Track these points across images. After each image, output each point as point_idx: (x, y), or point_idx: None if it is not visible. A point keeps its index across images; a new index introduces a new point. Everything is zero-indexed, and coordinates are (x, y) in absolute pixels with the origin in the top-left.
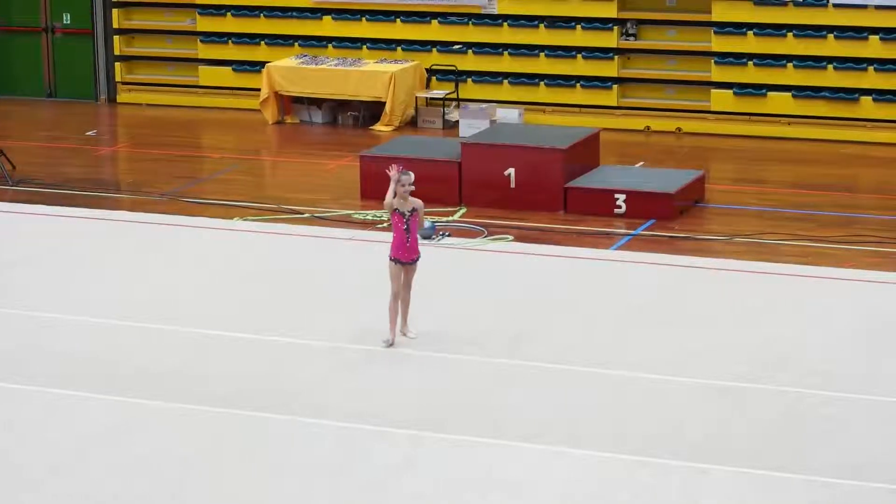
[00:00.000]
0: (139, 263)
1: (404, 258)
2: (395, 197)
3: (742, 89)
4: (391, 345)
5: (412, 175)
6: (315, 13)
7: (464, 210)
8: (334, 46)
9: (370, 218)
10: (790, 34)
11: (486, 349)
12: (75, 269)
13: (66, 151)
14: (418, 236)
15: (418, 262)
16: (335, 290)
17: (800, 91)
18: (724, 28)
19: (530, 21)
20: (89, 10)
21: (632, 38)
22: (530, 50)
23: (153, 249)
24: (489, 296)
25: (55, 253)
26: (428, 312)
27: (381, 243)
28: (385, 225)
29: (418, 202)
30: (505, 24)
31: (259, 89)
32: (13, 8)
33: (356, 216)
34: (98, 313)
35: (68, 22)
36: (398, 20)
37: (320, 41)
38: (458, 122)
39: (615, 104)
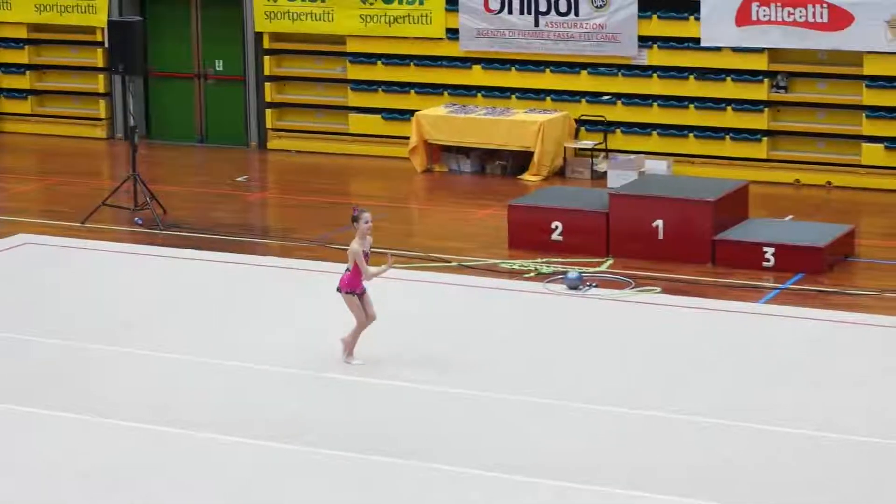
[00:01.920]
0: (285, 309)
1: (360, 289)
2: (360, 239)
3: (893, 143)
4: (350, 362)
5: (369, 214)
6: (465, 62)
7: (611, 261)
8: (483, 95)
9: (517, 267)
10: None
11: (636, 402)
12: (222, 314)
13: (217, 197)
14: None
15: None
16: (479, 339)
17: None
18: (875, 81)
19: (680, 72)
20: (241, 57)
21: (782, 91)
22: (679, 101)
23: (300, 295)
24: (636, 348)
25: (202, 297)
26: (574, 364)
27: (530, 293)
28: (532, 274)
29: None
30: (654, 75)
31: (408, 137)
32: (167, 54)
33: (503, 265)
34: (242, 358)
35: (221, 68)
36: (547, 70)
37: (469, 90)
38: (606, 172)
39: (765, 157)
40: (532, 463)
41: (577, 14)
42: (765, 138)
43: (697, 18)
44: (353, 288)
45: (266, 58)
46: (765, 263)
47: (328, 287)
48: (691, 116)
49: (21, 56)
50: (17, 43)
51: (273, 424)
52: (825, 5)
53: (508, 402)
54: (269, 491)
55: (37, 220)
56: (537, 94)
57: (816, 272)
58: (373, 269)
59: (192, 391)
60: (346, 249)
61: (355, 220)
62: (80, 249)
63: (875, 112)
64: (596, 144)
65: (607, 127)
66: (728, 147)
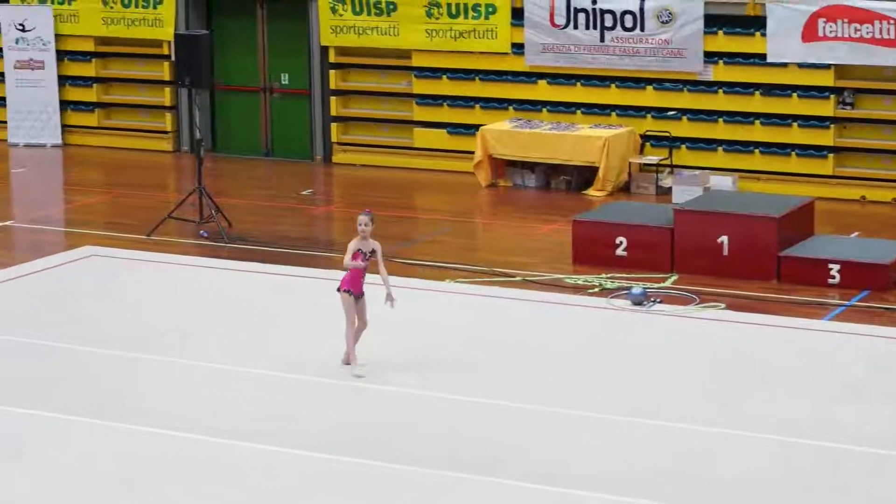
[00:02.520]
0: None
1: (357, 291)
2: (361, 240)
3: None
4: (348, 364)
5: (367, 216)
6: (530, 77)
7: (675, 277)
8: (548, 110)
9: (581, 283)
10: None
11: (697, 418)
12: (281, 326)
13: (282, 210)
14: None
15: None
16: (542, 354)
17: None
18: None
19: (746, 88)
20: (307, 71)
21: (848, 107)
22: (745, 117)
23: None
24: (699, 364)
25: (264, 310)
26: (635, 380)
27: (594, 309)
28: (597, 290)
29: (377, 244)
30: (720, 90)
31: (473, 152)
32: (233, 68)
33: (567, 280)
34: (289, 369)
35: (286, 82)
36: (613, 86)
37: (534, 105)
38: (671, 188)
39: (830, 173)
40: (583, 475)
41: (642, 29)
42: (831, 155)
43: (763, 34)
44: (348, 287)
45: (332, 72)
46: (830, 280)
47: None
48: (757, 132)
49: (88, 69)
50: (84, 56)
51: (318, 434)
52: (892, 21)
53: (564, 416)
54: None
55: (103, 233)
56: (602, 110)
57: (882, 289)
58: (347, 261)
59: (238, 401)
60: (411, 263)
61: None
62: (145, 262)
63: None
64: (661, 160)
65: (672, 142)
66: (794, 163)
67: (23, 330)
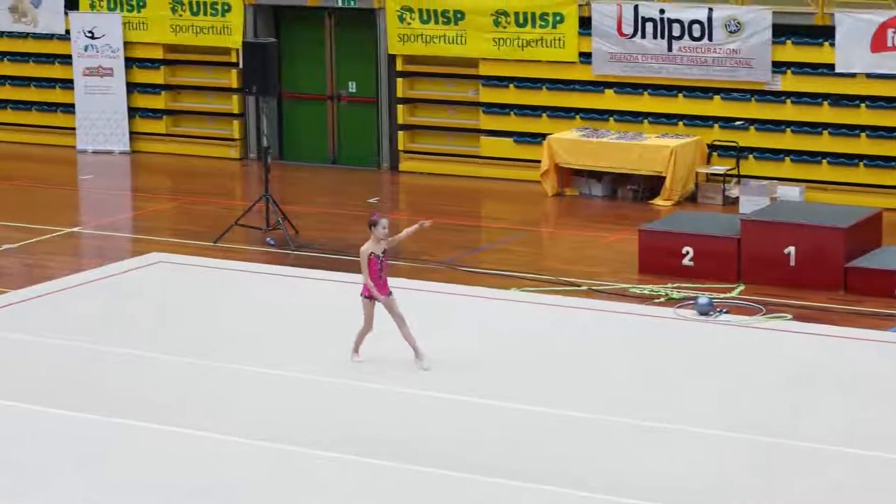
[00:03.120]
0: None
1: (379, 293)
2: (374, 243)
3: None
4: (359, 360)
5: (387, 220)
6: (597, 86)
7: (741, 287)
8: (615, 120)
9: (647, 292)
10: None
11: (764, 428)
12: (344, 334)
13: (348, 218)
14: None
15: (393, 296)
16: (606, 363)
17: None
18: None
19: (814, 98)
20: (374, 79)
21: None
22: (813, 127)
23: (428, 316)
24: (765, 374)
25: (328, 317)
26: (700, 390)
27: (660, 318)
28: (663, 299)
29: (388, 242)
30: (788, 100)
31: (539, 161)
32: (300, 76)
33: (633, 290)
34: (358, 377)
35: (353, 90)
36: (680, 95)
37: (601, 114)
38: (738, 198)
39: None
40: (646, 486)
41: (710, 39)
42: None
43: (832, 44)
44: (368, 294)
45: (399, 80)
46: None
47: (455, 310)
48: (825, 142)
49: (157, 76)
50: (152, 63)
51: (384, 443)
52: None
53: (629, 425)
54: None
55: (170, 239)
56: (669, 119)
57: None
58: (366, 277)
59: (302, 409)
60: (477, 272)
61: (373, 224)
62: (211, 269)
63: None
64: (728, 170)
65: (739, 152)
66: (862, 174)
67: (89, 336)
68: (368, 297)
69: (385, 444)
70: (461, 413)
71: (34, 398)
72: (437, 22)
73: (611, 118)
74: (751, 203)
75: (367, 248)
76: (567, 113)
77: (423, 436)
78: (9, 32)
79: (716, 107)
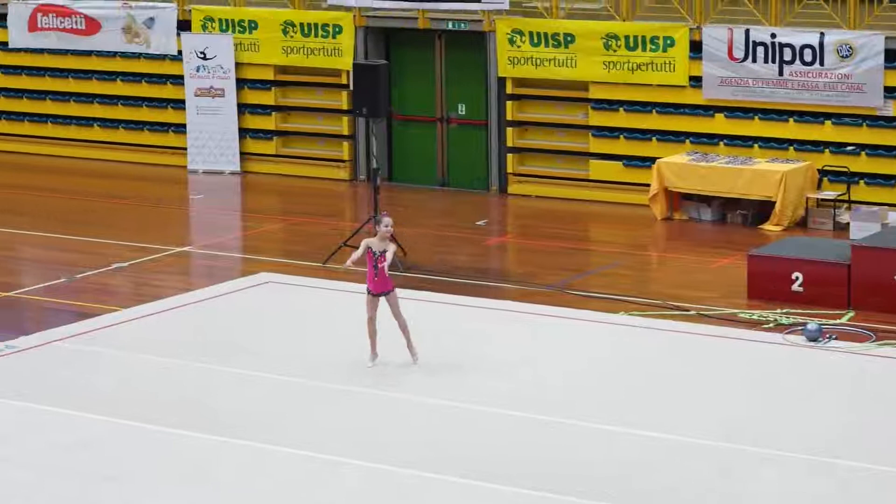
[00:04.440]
0: (519, 353)
1: (374, 290)
2: (373, 238)
3: None
4: (375, 362)
5: (391, 219)
6: (707, 111)
7: (851, 314)
8: (725, 144)
9: (756, 317)
10: None
11: (875, 457)
12: (455, 357)
13: (456, 240)
14: (386, 271)
15: (395, 293)
16: (712, 388)
17: None
18: None
19: None
20: (484, 101)
21: None
22: None
23: (537, 340)
24: (874, 403)
25: (437, 339)
26: (812, 417)
27: (768, 344)
28: (772, 325)
29: (392, 246)
30: None
31: (649, 184)
32: (410, 98)
33: (742, 315)
34: (469, 400)
35: (463, 113)
36: (791, 120)
37: (712, 138)
38: (848, 224)
39: None
40: None
41: (822, 64)
42: None
43: None
44: (369, 287)
45: (508, 102)
46: None
47: (564, 334)
48: None
49: (267, 97)
50: (263, 84)
51: (495, 465)
52: None
53: (739, 451)
54: None
55: (278, 260)
56: (780, 144)
57: None
58: (354, 259)
59: (406, 429)
60: (585, 296)
61: (377, 222)
62: (319, 289)
63: None
64: (839, 195)
65: (850, 178)
66: None
67: (197, 355)
68: (368, 292)
69: (497, 466)
70: (572, 437)
71: (141, 415)
72: (547, 45)
73: (721, 142)
74: (861, 229)
75: (368, 240)
76: (677, 137)
77: (536, 460)
78: (122, 53)
79: (827, 132)
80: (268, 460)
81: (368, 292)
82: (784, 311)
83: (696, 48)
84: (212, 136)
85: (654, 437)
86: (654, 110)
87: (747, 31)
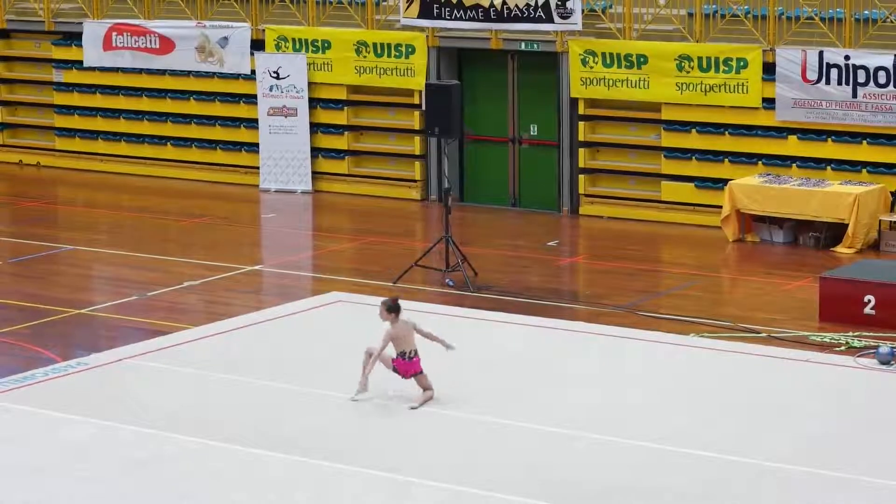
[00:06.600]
0: (589, 374)
1: (402, 373)
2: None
3: None
4: (364, 391)
5: (387, 299)
6: (780, 132)
7: None
8: (798, 166)
9: (828, 340)
10: None
11: None
12: (527, 377)
13: (527, 260)
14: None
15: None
16: (782, 412)
17: None
18: None
19: None
20: (556, 122)
21: None
22: None
23: (606, 361)
24: None
25: (509, 360)
26: (884, 441)
27: (840, 367)
28: (843, 348)
29: (409, 322)
30: None
31: (720, 206)
32: (482, 118)
33: (813, 338)
34: (543, 421)
35: (535, 133)
36: (864, 142)
37: (784, 160)
38: None
39: None
40: None
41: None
42: None
43: None
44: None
45: (581, 123)
46: None
47: (634, 355)
48: None
49: (340, 117)
50: (336, 104)
51: (571, 486)
52: None
53: (813, 475)
54: None
55: (349, 279)
56: (853, 166)
57: None
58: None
59: (482, 451)
60: (656, 317)
61: (389, 310)
62: None
63: None
64: None
65: None
66: None
67: (268, 373)
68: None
69: (572, 486)
70: (647, 460)
71: (211, 434)
72: (619, 66)
73: (793, 164)
74: None
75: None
76: (749, 158)
77: (617, 485)
78: (196, 72)
79: None
80: (345, 482)
81: (394, 370)
82: (856, 333)
83: (769, 70)
84: (284, 155)
85: (733, 461)
86: (726, 132)
87: (821, 53)
